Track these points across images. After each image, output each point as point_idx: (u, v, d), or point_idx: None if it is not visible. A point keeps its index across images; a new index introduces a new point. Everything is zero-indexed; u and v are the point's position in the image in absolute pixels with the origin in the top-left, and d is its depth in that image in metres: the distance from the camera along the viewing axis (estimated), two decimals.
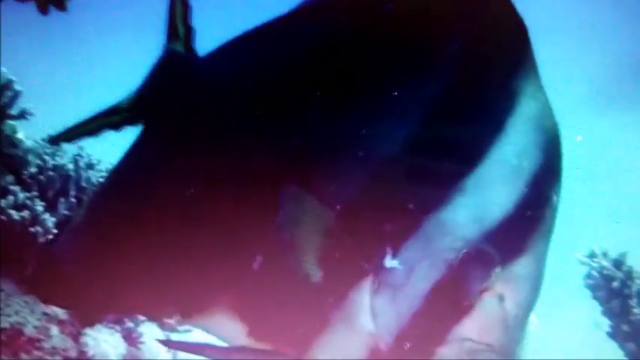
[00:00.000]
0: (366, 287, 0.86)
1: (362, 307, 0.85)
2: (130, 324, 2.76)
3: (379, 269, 0.85)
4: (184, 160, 1.01)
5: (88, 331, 2.53)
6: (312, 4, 1.02)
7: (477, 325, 0.83)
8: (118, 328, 2.73)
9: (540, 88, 0.93)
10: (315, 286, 0.87)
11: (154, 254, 0.98)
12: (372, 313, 0.85)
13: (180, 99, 1.06)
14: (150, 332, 2.85)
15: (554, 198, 0.89)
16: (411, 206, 0.86)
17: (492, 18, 0.93)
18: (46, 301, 1.10)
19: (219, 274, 0.94)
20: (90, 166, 2.71)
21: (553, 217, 0.89)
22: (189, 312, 0.97)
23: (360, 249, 0.86)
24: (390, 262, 0.85)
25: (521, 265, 0.85)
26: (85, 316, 2.49)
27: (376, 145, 0.89)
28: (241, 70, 1.03)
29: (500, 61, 0.93)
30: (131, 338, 2.77)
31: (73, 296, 1.05)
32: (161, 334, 2.92)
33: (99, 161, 2.76)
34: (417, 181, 0.88)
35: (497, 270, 0.84)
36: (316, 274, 0.86)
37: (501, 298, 0.84)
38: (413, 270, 0.85)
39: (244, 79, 1.02)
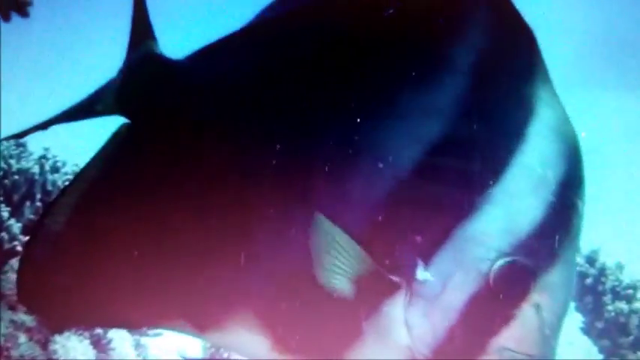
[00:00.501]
0: (399, 300, 0.84)
1: (396, 320, 0.84)
2: (98, 330, 2.69)
3: (411, 281, 0.84)
4: (179, 160, 0.98)
5: (56, 338, 2.46)
6: (311, 5, 1.00)
7: (516, 335, 0.83)
8: (86, 334, 2.67)
9: (554, 94, 0.93)
10: (345, 299, 0.85)
11: (154, 260, 0.95)
12: (406, 326, 0.84)
13: (167, 100, 1.03)
14: (118, 337, 2.79)
15: (579, 204, 0.89)
16: (439, 217, 0.86)
17: (500, 25, 0.93)
18: (32, 311, 1.05)
19: (236, 283, 0.91)
20: (55, 169, 2.64)
21: (579, 224, 0.89)
22: (202, 324, 0.94)
23: (390, 261, 0.85)
24: (422, 274, 0.84)
25: (554, 274, 0.85)
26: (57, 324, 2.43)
27: (398, 155, 0.88)
28: (238, 70, 1.00)
29: (514, 69, 0.92)
30: (100, 345, 2.71)
31: (60, 308, 1.01)
32: (130, 339, 2.86)
33: (64, 163, 2.69)
34: (443, 192, 0.87)
35: (535, 281, 0.83)
36: (346, 289, 0.84)
37: (538, 307, 0.83)
38: (446, 282, 0.84)
39: (241, 79, 0.99)
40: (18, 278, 1.02)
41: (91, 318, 1.08)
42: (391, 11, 0.94)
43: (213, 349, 2.71)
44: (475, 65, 0.91)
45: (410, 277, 0.84)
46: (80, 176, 1.03)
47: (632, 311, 2.58)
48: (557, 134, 0.90)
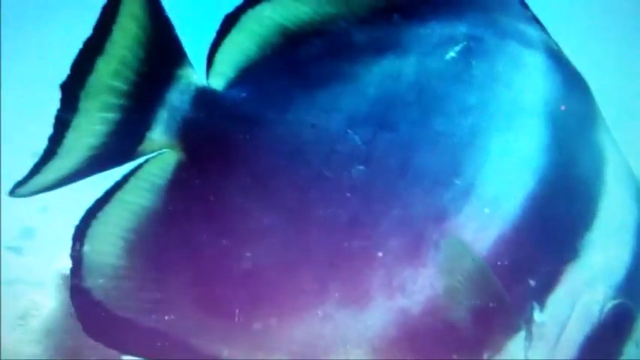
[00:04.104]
0: (519, 341, 0.92)
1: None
2: None
3: (530, 323, 0.92)
4: (244, 189, 0.97)
5: None
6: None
7: None
8: None
9: (613, 137, 1.00)
10: (468, 338, 0.91)
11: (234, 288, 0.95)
12: None
13: (221, 131, 0.99)
14: None
15: None
16: (547, 262, 0.93)
17: (558, 71, 0.99)
18: (102, 342, 0.98)
19: (346, 322, 0.93)
20: None
21: None
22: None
23: (511, 305, 0.91)
24: (539, 316, 0.92)
25: None
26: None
27: (502, 201, 0.93)
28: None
29: (579, 114, 0.99)
30: None
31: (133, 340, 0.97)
32: None
33: None
34: (546, 238, 0.93)
35: (635, 320, 0.93)
36: (468, 327, 0.91)
37: (637, 344, 0.94)
38: (562, 324, 0.92)
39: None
40: (77, 310, 0.97)
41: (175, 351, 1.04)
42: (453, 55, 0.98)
43: None
44: (546, 112, 0.96)
45: (527, 320, 0.91)
46: (121, 206, 0.98)
47: None
48: (626, 177, 0.98)
